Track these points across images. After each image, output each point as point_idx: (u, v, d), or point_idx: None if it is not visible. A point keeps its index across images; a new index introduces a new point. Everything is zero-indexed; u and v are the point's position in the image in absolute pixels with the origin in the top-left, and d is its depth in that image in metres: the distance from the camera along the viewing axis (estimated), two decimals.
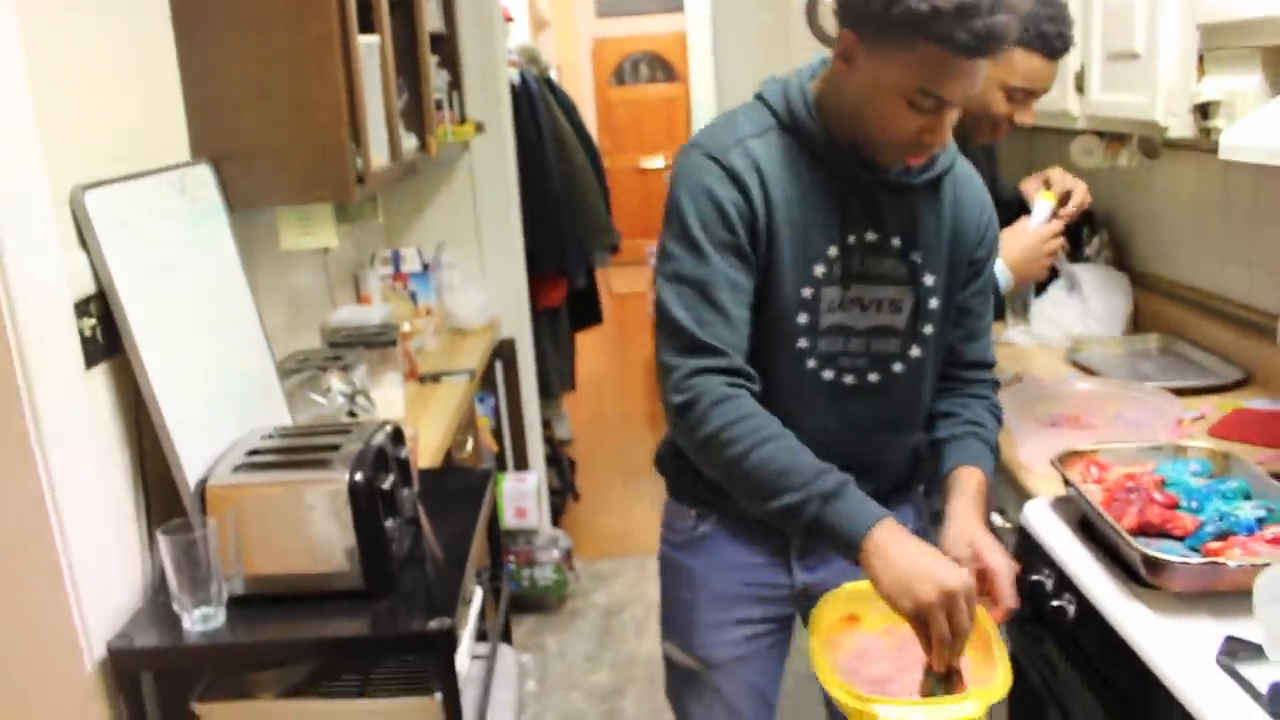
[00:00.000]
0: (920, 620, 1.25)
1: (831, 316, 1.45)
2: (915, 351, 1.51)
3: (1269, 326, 2.21)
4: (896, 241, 1.46)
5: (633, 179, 8.77)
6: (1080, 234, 2.88)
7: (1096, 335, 2.64)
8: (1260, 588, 1.19)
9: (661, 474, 1.64)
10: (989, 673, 1.28)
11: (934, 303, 1.50)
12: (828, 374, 1.48)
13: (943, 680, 1.27)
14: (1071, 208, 2.05)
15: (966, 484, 1.47)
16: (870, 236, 1.45)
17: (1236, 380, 2.28)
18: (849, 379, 1.49)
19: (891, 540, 1.28)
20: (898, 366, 1.51)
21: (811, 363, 1.47)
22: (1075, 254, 2.86)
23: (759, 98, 1.49)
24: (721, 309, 1.38)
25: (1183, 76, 1.90)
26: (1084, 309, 2.68)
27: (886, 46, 1.29)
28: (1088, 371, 2.40)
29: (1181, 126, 1.92)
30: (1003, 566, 1.34)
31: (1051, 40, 1.87)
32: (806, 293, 1.43)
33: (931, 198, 1.49)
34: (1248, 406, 2.12)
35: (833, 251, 1.44)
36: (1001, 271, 1.93)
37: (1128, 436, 1.87)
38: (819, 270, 1.44)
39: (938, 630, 1.24)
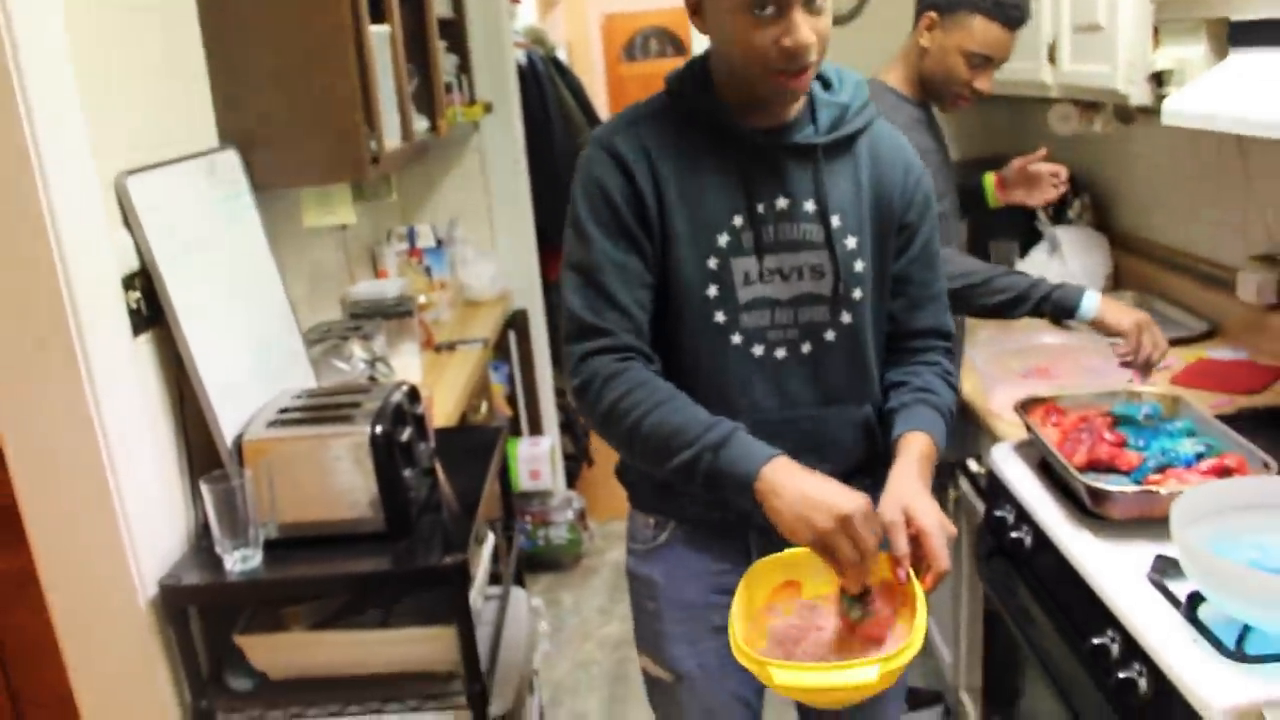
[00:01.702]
0: (824, 548, 1.26)
1: (750, 290, 1.43)
2: (846, 318, 1.47)
3: (1232, 280, 2.34)
4: (809, 206, 1.43)
5: None
6: (1063, 197, 3.00)
7: None
8: (1175, 512, 1.32)
9: (622, 484, 1.62)
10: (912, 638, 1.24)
11: (859, 265, 1.46)
12: (757, 349, 1.45)
13: (858, 600, 1.30)
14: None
15: (909, 448, 1.41)
16: (781, 203, 1.43)
17: (1203, 332, 2.42)
18: (780, 353, 1.46)
19: (783, 475, 1.29)
20: (830, 335, 1.47)
21: (736, 338, 1.44)
22: (1058, 216, 2.99)
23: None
24: (608, 293, 1.40)
25: (1139, 47, 2.03)
26: (1064, 269, 2.81)
27: None
28: (1063, 327, 2.54)
29: (1140, 95, 2.06)
30: (934, 528, 1.28)
31: (1008, 10, 2.00)
32: (712, 263, 1.42)
33: (844, 158, 1.46)
34: (1210, 356, 2.26)
35: (738, 221, 1.42)
36: (1091, 299, 1.98)
37: (1091, 384, 2.01)
38: (723, 240, 1.41)
39: (843, 555, 1.24)
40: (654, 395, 1.37)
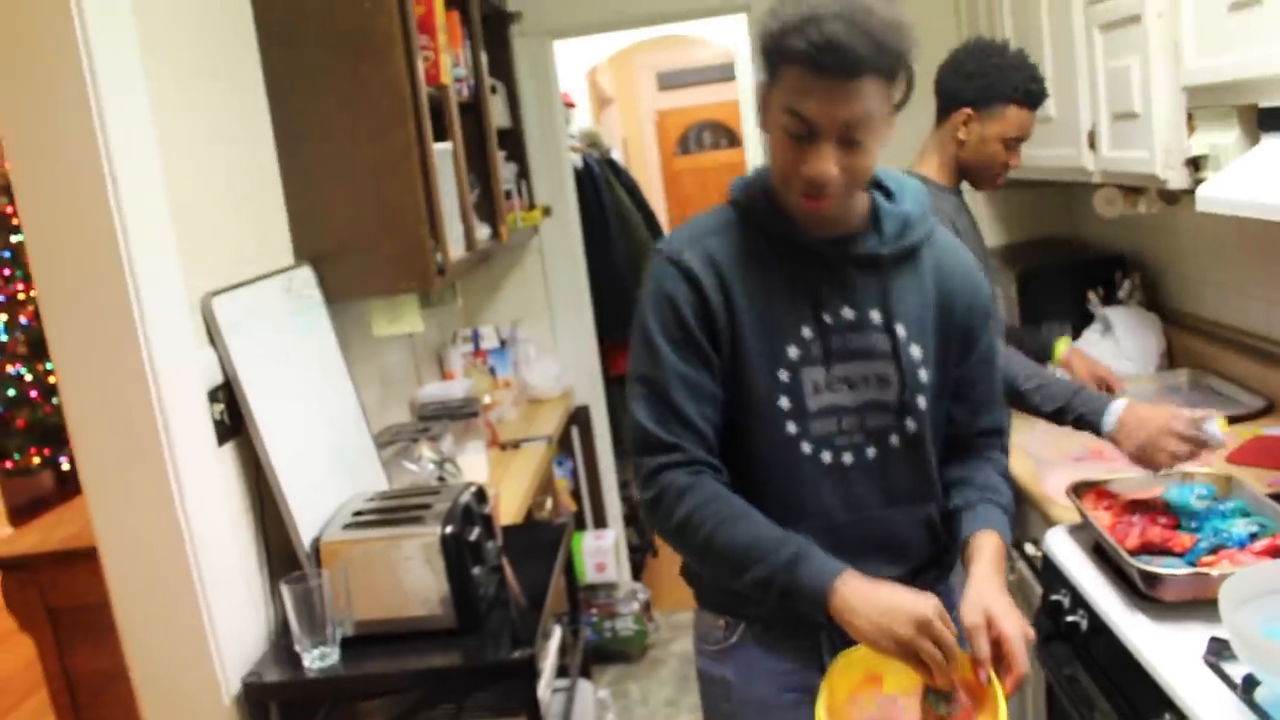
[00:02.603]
0: (909, 654, 1.29)
1: (820, 398, 1.45)
2: (911, 425, 1.49)
3: None
4: (875, 316, 1.46)
5: None
6: (1113, 278, 3.03)
7: (1130, 374, 2.78)
8: (1224, 594, 1.33)
9: (688, 583, 1.63)
10: None
11: (924, 375, 1.48)
12: (826, 456, 1.46)
13: (943, 696, 1.31)
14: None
15: (983, 549, 1.45)
16: (847, 314, 1.45)
17: (1260, 409, 2.42)
18: (847, 458, 1.47)
19: (854, 590, 1.32)
20: (894, 440, 1.49)
21: (807, 447, 1.45)
22: (1109, 297, 3.02)
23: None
24: (676, 408, 1.42)
25: (1175, 133, 2.08)
26: (1118, 349, 2.83)
27: (772, 87, 1.36)
28: None
29: (1178, 179, 2.10)
30: (1015, 633, 1.32)
31: (1036, 95, 2.22)
32: (783, 376, 1.43)
33: (908, 269, 1.49)
34: (1266, 433, 2.26)
35: (807, 332, 1.44)
36: (1112, 415, 1.95)
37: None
38: (793, 353, 1.44)
39: (929, 658, 1.27)
40: (725, 509, 1.40)
